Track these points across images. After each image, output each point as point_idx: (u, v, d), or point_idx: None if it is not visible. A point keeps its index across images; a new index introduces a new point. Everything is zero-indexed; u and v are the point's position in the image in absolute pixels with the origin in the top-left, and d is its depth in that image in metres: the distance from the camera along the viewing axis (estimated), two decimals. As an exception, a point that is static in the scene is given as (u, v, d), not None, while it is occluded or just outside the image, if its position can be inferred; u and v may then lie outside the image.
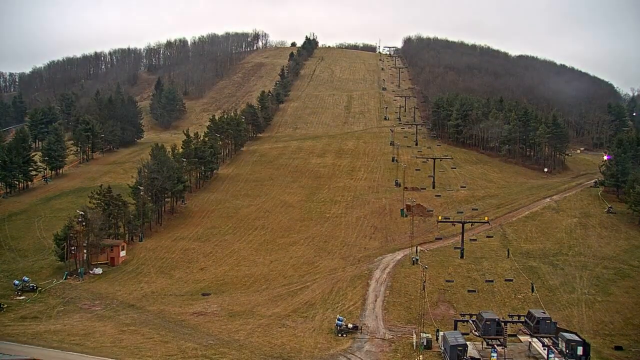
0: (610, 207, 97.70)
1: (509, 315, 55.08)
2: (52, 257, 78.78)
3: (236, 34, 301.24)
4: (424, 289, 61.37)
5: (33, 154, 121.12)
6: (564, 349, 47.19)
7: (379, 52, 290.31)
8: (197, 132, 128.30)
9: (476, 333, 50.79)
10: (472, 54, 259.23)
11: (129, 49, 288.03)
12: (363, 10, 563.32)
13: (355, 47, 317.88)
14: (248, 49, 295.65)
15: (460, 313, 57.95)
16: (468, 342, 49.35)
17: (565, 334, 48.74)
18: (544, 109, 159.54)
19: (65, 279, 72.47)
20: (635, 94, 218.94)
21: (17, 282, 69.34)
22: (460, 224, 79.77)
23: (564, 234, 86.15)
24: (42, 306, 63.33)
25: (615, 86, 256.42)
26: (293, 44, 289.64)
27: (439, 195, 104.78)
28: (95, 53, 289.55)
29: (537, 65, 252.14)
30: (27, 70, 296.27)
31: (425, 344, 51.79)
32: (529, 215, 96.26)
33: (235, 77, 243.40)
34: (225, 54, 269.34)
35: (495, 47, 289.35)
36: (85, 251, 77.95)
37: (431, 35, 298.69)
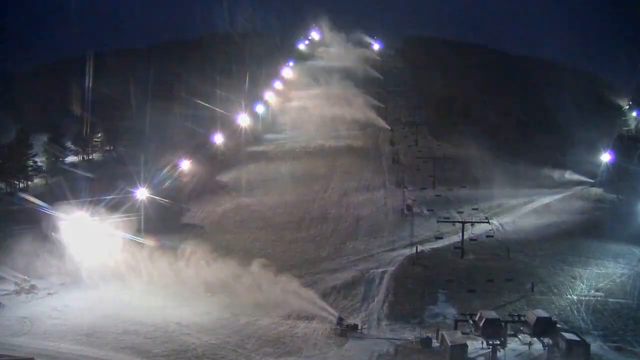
0: (610, 208, 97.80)
1: (509, 315, 55.10)
2: (51, 255, 78.75)
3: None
4: (423, 288, 61.46)
5: (33, 153, 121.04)
6: (563, 349, 47.27)
7: (380, 52, 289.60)
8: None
9: (476, 333, 50.83)
10: (473, 54, 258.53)
11: (129, 48, 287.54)
12: (363, 10, 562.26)
13: (355, 47, 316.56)
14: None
15: (460, 313, 57.99)
16: (468, 342, 49.40)
17: (565, 334, 48.79)
18: (544, 108, 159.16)
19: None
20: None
21: (16, 281, 69.35)
22: (460, 224, 79.95)
23: (564, 234, 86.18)
24: (42, 306, 63.42)
25: (615, 86, 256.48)
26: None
27: (439, 195, 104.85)
28: (96, 52, 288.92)
29: (537, 65, 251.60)
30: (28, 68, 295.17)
31: (424, 344, 51.83)
32: (529, 214, 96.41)
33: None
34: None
35: (495, 47, 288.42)
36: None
37: (431, 35, 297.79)
